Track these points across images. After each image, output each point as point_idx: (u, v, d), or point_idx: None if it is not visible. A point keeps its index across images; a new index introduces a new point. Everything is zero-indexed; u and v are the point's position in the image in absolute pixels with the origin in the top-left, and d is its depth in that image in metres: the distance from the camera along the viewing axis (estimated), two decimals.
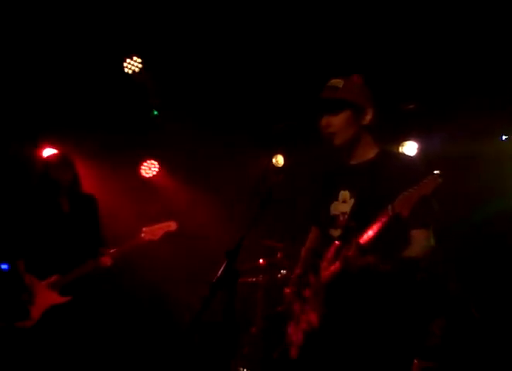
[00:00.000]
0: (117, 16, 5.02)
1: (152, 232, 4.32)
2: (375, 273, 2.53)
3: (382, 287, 2.61)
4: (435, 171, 2.35)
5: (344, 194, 2.81)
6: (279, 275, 5.22)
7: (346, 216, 2.76)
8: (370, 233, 2.48)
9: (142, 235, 4.32)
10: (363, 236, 2.49)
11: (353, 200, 2.76)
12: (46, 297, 4.13)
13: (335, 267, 2.62)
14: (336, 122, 2.74)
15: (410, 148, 5.67)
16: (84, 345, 4.21)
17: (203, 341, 4.79)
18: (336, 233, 2.80)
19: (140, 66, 5.70)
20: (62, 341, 4.11)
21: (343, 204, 2.81)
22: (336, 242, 2.68)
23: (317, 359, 2.75)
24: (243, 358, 4.98)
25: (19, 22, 4.91)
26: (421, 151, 5.63)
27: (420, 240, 2.59)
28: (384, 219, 2.44)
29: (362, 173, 2.76)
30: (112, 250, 4.30)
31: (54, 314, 4.13)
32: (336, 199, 2.84)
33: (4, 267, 5.12)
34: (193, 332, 2.40)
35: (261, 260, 5.32)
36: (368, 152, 2.83)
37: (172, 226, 4.40)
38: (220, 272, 2.39)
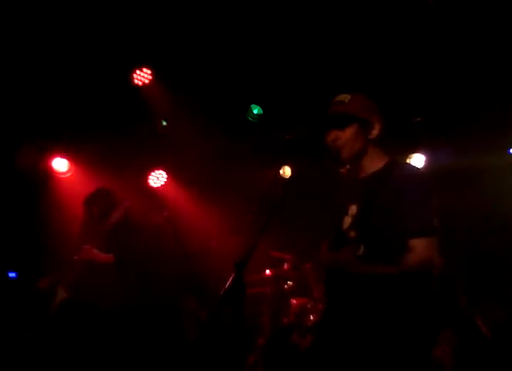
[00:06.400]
0: (129, 27, 5.07)
1: None
2: (377, 277, 2.55)
3: (385, 290, 2.59)
4: None
5: (353, 208, 2.80)
6: (286, 286, 5.22)
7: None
8: None
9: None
10: None
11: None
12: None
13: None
14: (343, 136, 2.75)
15: (417, 160, 5.69)
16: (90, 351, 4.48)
17: (211, 352, 4.80)
18: None
19: (150, 77, 5.75)
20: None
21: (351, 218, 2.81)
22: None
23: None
24: (248, 368, 4.96)
25: (30, 31, 4.98)
26: (428, 163, 5.64)
27: (419, 250, 2.56)
28: None
29: (369, 185, 2.77)
30: None
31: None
32: (347, 214, 2.82)
33: (12, 275, 5.20)
34: (201, 344, 2.41)
35: (267, 271, 5.34)
36: (376, 165, 2.81)
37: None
38: (227, 284, 2.39)
